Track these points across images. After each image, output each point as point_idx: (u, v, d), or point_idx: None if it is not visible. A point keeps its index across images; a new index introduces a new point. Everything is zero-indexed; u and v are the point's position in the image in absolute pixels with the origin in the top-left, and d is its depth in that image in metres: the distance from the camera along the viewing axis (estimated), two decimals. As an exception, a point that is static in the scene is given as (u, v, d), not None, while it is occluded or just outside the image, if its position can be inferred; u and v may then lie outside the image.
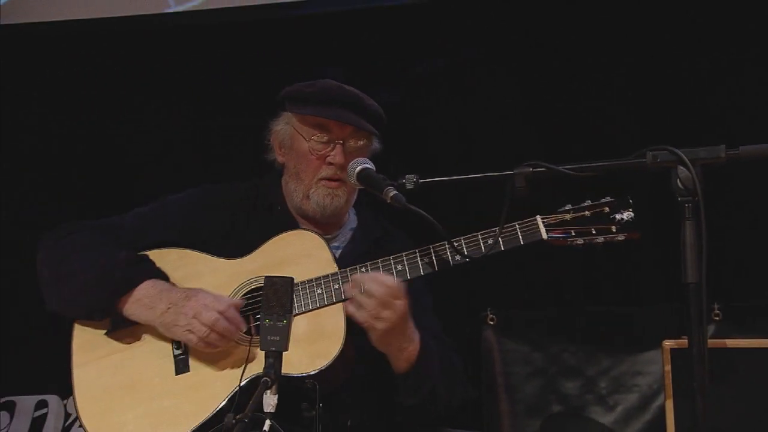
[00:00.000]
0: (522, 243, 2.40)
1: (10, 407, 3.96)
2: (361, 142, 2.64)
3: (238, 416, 1.93)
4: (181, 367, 2.45)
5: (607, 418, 3.38)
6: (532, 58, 3.78)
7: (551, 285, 3.66)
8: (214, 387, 2.39)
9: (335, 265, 2.48)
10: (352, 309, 2.37)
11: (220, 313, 2.38)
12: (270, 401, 1.99)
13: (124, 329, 2.49)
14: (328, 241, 2.56)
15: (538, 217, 2.42)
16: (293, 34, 3.97)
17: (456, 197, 3.61)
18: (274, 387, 2.00)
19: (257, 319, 2.39)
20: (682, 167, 2.02)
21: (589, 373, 3.43)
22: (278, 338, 2.06)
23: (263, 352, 2.06)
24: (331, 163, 2.60)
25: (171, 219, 2.63)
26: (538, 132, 3.77)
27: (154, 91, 4.09)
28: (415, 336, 2.45)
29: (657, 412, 3.29)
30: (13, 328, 3.97)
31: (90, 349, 2.50)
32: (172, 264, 2.53)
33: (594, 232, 2.39)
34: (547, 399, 3.45)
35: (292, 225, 2.65)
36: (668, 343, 2.49)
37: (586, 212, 2.40)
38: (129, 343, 2.50)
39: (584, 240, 2.39)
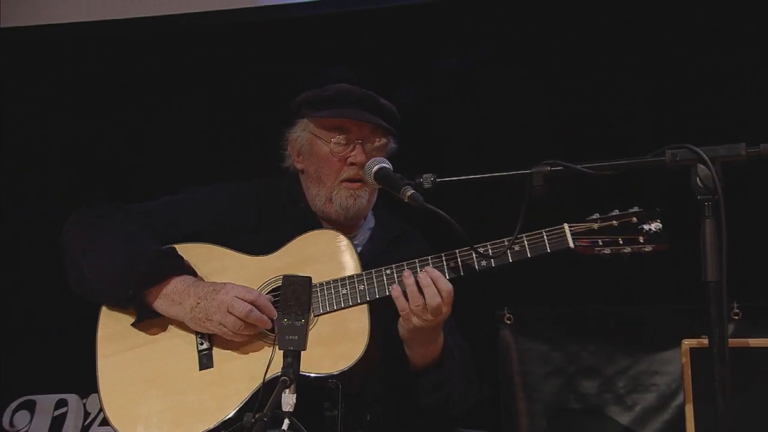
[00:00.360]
0: (549, 251, 2.39)
1: (30, 406, 3.98)
2: (379, 142, 2.66)
3: (257, 415, 1.93)
4: (205, 362, 2.45)
5: (625, 418, 3.37)
6: (545, 57, 3.77)
7: (569, 284, 3.64)
8: (237, 383, 2.40)
9: (360, 266, 2.48)
10: (397, 293, 2.38)
11: (252, 302, 2.39)
12: (289, 400, 1.99)
13: (149, 322, 2.49)
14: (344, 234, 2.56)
15: (566, 225, 2.40)
16: (301, 35, 3.97)
17: (468, 197, 3.61)
18: (292, 386, 2.00)
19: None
20: (701, 165, 2.00)
21: (608, 372, 3.43)
22: (296, 337, 2.05)
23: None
24: (352, 164, 2.62)
25: (201, 209, 2.64)
26: (553, 132, 3.76)
27: (160, 93, 4.11)
28: (440, 338, 2.49)
29: (675, 412, 3.28)
30: (32, 328, 4.00)
31: (115, 340, 2.51)
32: (199, 258, 2.53)
33: (621, 242, 2.37)
34: (565, 398, 3.44)
35: (315, 221, 2.68)
36: (688, 343, 2.47)
37: (614, 222, 2.38)
38: (154, 337, 2.50)
39: (611, 250, 2.38)
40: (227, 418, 2.37)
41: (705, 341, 2.45)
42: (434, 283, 2.36)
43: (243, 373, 2.41)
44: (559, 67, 3.71)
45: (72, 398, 3.96)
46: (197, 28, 4.04)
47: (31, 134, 4.18)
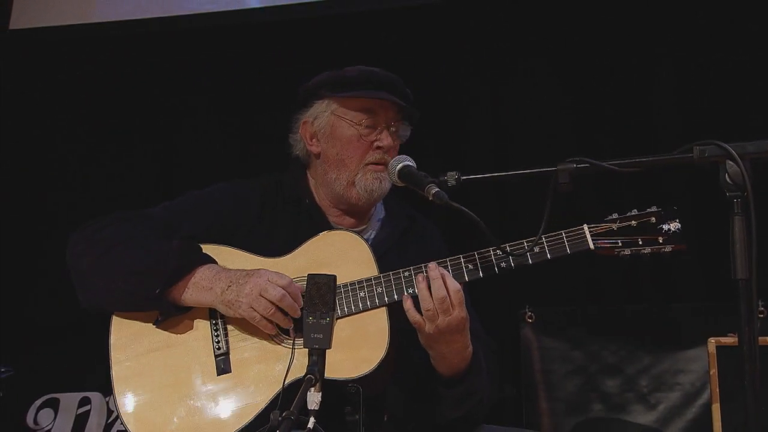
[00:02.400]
0: (569, 252, 2.36)
1: (53, 404, 4.00)
2: (402, 127, 2.63)
3: (283, 413, 1.93)
4: (223, 366, 2.42)
5: (648, 417, 3.35)
6: (567, 55, 3.75)
7: (590, 282, 3.63)
8: (256, 388, 2.38)
9: (376, 267, 2.44)
10: (409, 305, 2.35)
11: (284, 288, 2.36)
12: (314, 399, 1.98)
13: (163, 324, 2.46)
14: (361, 235, 2.53)
15: (585, 226, 2.37)
16: (318, 34, 3.97)
17: (486, 195, 3.61)
18: (318, 385, 1.99)
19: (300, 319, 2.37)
20: (730, 162, 1.98)
21: (630, 371, 3.40)
22: (321, 336, 2.04)
23: (304, 355, 2.05)
24: (379, 147, 2.57)
25: (201, 211, 2.60)
26: (575, 129, 3.75)
27: (175, 93, 4.13)
28: (467, 351, 2.42)
29: (700, 411, 3.26)
30: (56, 326, 4.02)
31: (128, 345, 2.47)
32: None
33: (641, 243, 2.35)
34: (587, 397, 3.42)
35: (320, 217, 2.63)
36: (714, 341, 2.45)
37: (633, 222, 2.36)
38: (168, 341, 2.46)
39: (631, 251, 2.35)
40: (248, 423, 2.34)
41: (730, 339, 2.44)
42: (442, 278, 2.32)
43: (262, 377, 2.38)
44: (581, 65, 3.70)
45: (95, 396, 3.98)
46: (212, 28, 4.06)
47: (42, 136, 4.21)
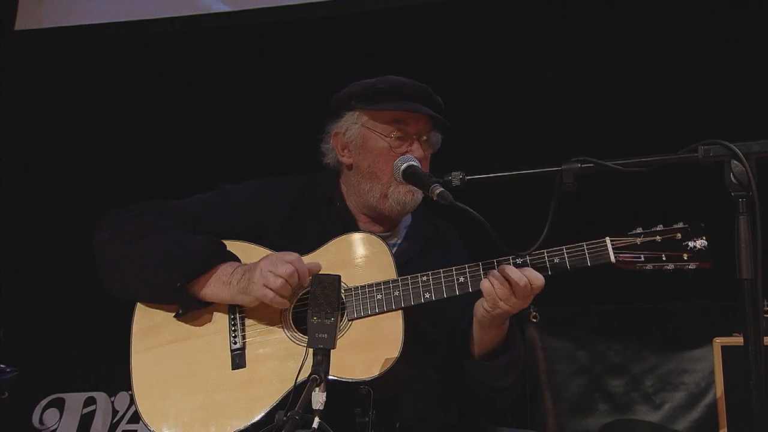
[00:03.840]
0: (589, 265, 2.34)
1: (59, 404, 4.01)
2: (433, 136, 2.63)
3: (288, 413, 1.93)
4: (238, 361, 2.44)
5: (653, 417, 3.35)
6: (573, 54, 3.75)
7: (596, 282, 3.62)
8: (269, 385, 2.39)
9: (396, 271, 2.45)
10: (487, 284, 2.34)
11: (292, 263, 2.36)
12: (319, 398, 1.99)
13: (184, 317, 2.48)
14: (385, 240, 2.54)
15: (608, 239, 2.35)
16: (320, 35, 3.97)
17: (493, 195, 3.61)
18: (322, 384, 2.00)
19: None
20: (735, 161, 1.98)
21: (635, 371, 3.40)
22: (326, 336, 2.05)
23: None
24: None
25: (233, 208, 2.62)
26: (580, 129, 3.75)
27: (194, 93, 4.14)
28: (507, 321, 2.47)
29: (705, 411, 3.25)
30: (61, 327, 4.04)
31: (150, 336, 2.50)
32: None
33: (664, 258, 2.31)
34: (591, 397, 3.42)
35: (351, 220, 2.65)
36: (719, 341, 2.45)
37: (657, 237, 2.32)
38: (188, 333, 2.49)
39: (653, 266, 2.32)
40: (258, 419, 2.36)
41: (736, 339, 2.43)
42: (526, 276, 2.32)
43: (275, 374, 2.40)
44: (586, 65, 3.69)
45: (100, 396, 3.99)
46: (216, 29, 4.06)
47: (47, 136, 4.23)
